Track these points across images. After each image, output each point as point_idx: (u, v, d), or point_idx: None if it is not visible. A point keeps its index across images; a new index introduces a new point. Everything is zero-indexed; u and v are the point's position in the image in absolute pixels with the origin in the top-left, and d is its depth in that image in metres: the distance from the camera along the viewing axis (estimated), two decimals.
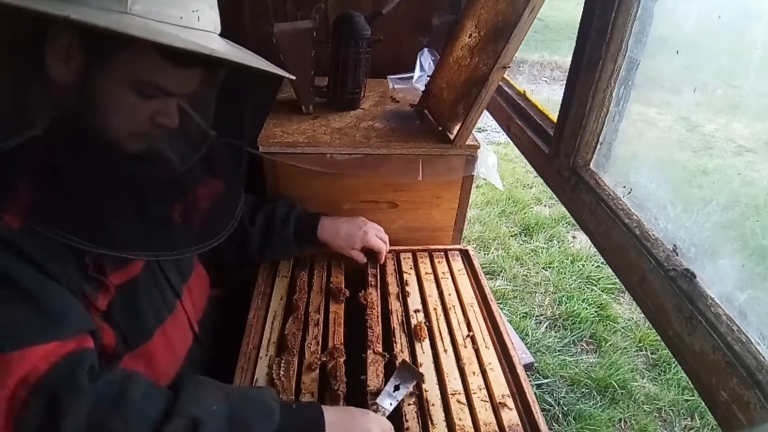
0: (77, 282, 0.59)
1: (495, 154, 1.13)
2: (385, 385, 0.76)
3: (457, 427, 0.73)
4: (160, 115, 0.63)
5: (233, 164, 0.83)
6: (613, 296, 2.24)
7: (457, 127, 1.05)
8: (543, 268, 2.40)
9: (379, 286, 1.01)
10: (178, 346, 0.79)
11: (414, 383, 0.77)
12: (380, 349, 0.85)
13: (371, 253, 1.04)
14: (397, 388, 0.76)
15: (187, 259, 0.85)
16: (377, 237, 1.03)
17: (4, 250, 0.52)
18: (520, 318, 2.08)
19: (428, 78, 1.22)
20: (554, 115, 0.96)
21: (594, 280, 2.31)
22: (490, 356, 0.86)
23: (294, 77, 0.76)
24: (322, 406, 0.67)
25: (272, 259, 1.04)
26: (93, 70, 0.56)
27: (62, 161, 0.57)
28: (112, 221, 0.61)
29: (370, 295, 0.96)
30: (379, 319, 0.92)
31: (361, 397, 0.77)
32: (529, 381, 0.81)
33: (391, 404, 0.74)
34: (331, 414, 0.67)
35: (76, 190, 0.57)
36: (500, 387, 0.80)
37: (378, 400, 0.74)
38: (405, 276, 1.04)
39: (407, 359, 0.82)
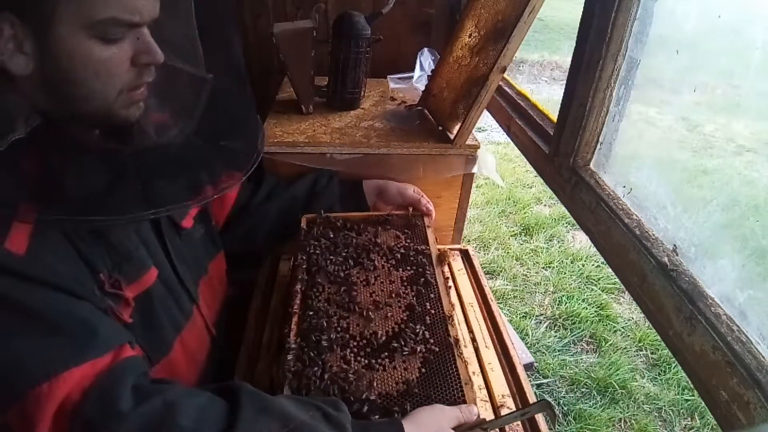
0: (101, 297, 0.56)
1: (493, 154, 1.13)
2: (510, 414, 0.68)
3: None
4: (139, 55, 0.55)
5: (241, 98, 0.74)
6: (613, 296, 2.24)
7: (457, 127, 1.05)
8: (543, 267, 2.40)
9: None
10: (198, 352, 0.77)
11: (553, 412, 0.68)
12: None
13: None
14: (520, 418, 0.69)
15: (202, 258, 0.82)
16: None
17: (12, 280, 0.48)
18: (520, 318, 2.08)
19: (428, 78, 1.23)
20: (554, 115, 0.96)
21: (594, 280, 2.31)
22: (490, 356, 0.85)
23: None
24: (403, 422, 0.59)
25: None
26: (47, 38, 0.49)
27: (58, 157, 0.52)
28: (122, 188, 0.55)
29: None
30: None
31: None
32: (529, 381, 0.81)
33: (520, 419, 0.68)
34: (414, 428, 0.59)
35: (79, 185, 0.52)
36: (500, 387, 0.79)
37: (490, 425, 0.65)
38: None
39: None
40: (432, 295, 0.80)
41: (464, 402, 0.65)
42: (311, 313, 0.75)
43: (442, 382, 0.67)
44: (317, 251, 0.86)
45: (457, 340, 0.73)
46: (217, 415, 0.52)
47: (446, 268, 1.00)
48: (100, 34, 0.51)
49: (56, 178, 0.52)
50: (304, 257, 0.85)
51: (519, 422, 0.74)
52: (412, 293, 0.80)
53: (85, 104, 0.54)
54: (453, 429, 0.63)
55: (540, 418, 0.74)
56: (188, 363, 0.73)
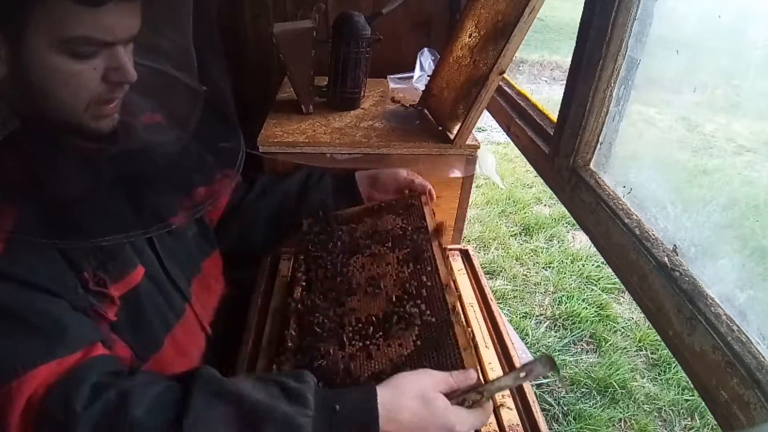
0: (84, 296, 0.57)
1: (493, 154, 1.13)
2: (510, 374, 0.60)
3: None
4: (110, 72, 0.54)
5: (225, 111, 0.73)
6: (613, 296, 2.24)
7: (457, 127, 1.05)
8: (543, 267, 2.40)
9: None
10: (191, 349, 0.76)
11: (545, 370, 0.59)
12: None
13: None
14: (526, 373, 0.59)
15: (195, 257, 0.82)
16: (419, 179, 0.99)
17: None
18: (520, 318, 2.08)
19: (428, 78, 1.23)
20: (554, 115, 0.96)
21: (594, 280, 2.31)
22: (490, 356, 0.85)
23: None
24: (379, 402, 0.52)
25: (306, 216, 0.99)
26: (19, 47, 0.49)
27: (33, 166, 0.53)
28: (98, 209, 0.56)
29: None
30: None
31: None
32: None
33: (510, 386, 0.63)
34: (399, 412, 0.52)
35: (57, 192, 0.53)
36: None
37: (486, 388, 0.59)
38: None
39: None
40: (428, 268, 0.78)
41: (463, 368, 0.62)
42: (311, 309, 0.75)
43: (439, 349, 0.65)
44: (316, 250, 0.86)
45: (454, 307, 0.70)
46: (169, 403, 0.50)
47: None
48: (71, 50, 0.51)
49: (30, 190, 0.52)
50: (302, 257, 0.85)
51: (519, 422, 0.74)
52: (408, 270, 0.79)
53: (55, 114, 0.54)
54: (445, 394, 0.57)
55: (540, 418, 0.74)
56: (181, 361, 0.73)
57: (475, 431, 0.61)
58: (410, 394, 0.54)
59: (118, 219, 0.58)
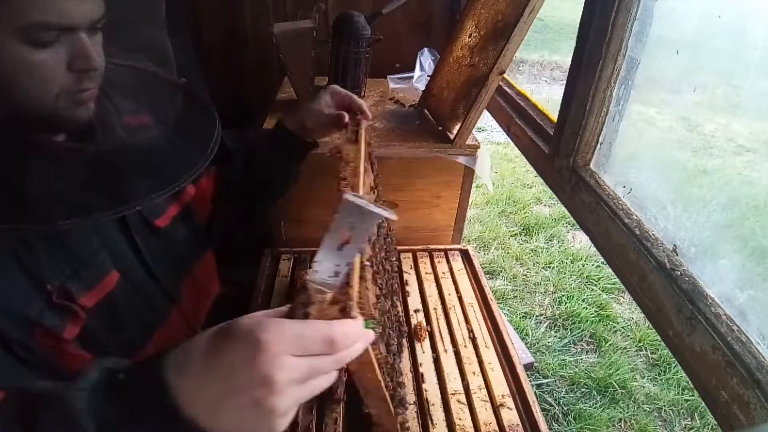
0: (36, 315, 0.53)
1: (491, 156, 1.13)
2: (322, 242, 0.41)
3: (457, 427, 0.73)
4: (75, 60, 0.52)
5: (198, 95, 0.69)
6: (613, 296, 2.24)
7: (457, 127, 1.05)
8: (543, 267, 2.40)
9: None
10: None
11: (375, 222, 0.43)
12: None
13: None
14: (343, 242, 0.41)
15: (186, 258, 0.80)
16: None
17: None
18: (520, 318, 2.08)
19: (428, 78, 1.23)
20: (554, 115, 0.96)
21: (594, 280, 2.31)
22: (490, 356, 0.86)
23: None
24: (168, 374, 0.38)
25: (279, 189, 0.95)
26: None
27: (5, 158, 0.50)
28: (60, 193, 0.52)
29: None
30: None
31: None
32: (529, 381, 0.81)
33: (337, 274, 0.41)
34: (188, 383, 0.38)
35: (21, 182, 0.50)
36: (500, 387, 0.80)
37: (310, 277, 0.41)
38: (405, 276, 1.04)
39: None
40: None
41: None
42: None
43: None
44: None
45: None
46: None
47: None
48: (31, 38, 0.49)
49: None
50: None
51: (519, 422, 0.74)
52: None
53: (26, 106, 0.53)
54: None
55: (540, 418, 0.74)
56: None
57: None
58: (205, 334, 0.41)
59: (81, 202, 0.53)
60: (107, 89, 0.61)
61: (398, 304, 0.81)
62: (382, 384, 0.52)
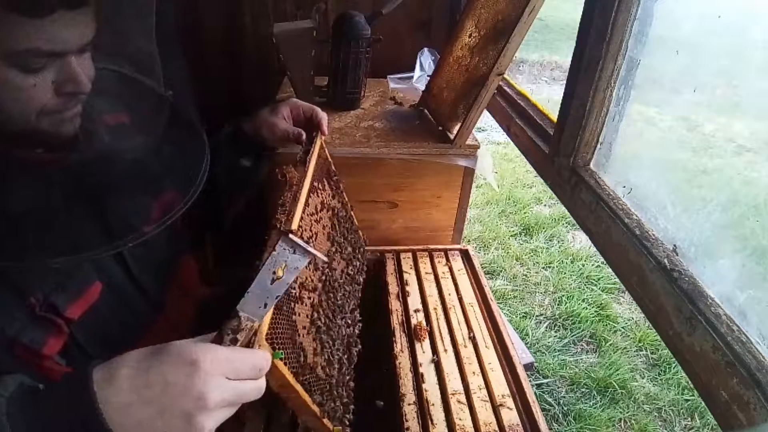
0: (15, 332, 0.52)
1: (492, 156, 1.13)
2: (256, 274, 0.45)
3: (457, 427, 0.73)
4: (63, 83, 0.51)
5: (188, 117, 0.67)
6: (613, 296, 2.24)
7: (457, 127, 1.05)
8: (543, 267, 2.40)
9: (379, 286, 1.00)
10: None
11: (306, 262, 0.46)
12: None
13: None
14: (274, 275, 0.45)
15: (171, 261, 0.78)
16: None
17: None
18: (520, 318, 2.08)
19: (428, 78, 1.23)
20: (554, 115, 0.96)
21: (594, 280, 2.31)
22: (490, 356, 0.86)
23: None
24: (95, 384, 0.39)
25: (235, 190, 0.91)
26: None
27: None
28: (54, 226, 0.51)
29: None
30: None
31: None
32: (529, 381, 0.81)
33: (266, 306, 0.45)
34: (119, 395, 0.39)
35: (6, 206, 0.48)
36: (500, 387, 0.80)
37: (240, 306, 0.45)
38: (405, 276, 1.04)
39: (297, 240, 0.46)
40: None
41: None
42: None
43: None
44: None
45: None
46: None
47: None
48: (20, 64, 0.48)
49: None
50: None
51: (519, 422, 0.74)
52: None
53: (8, 125, 0.51)
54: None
55: (540, 418, 0.74)
56: None
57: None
58: (133, 353, 0.42)
59: (75, 237, 0.53)
60: (92, 100, 0.58)
61: (357, 317, 0.81)
62: (309, 402, 0.55)
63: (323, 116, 0.88)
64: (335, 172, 0.90)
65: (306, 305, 0.63)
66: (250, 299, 0.45)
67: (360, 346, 0.78)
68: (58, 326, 0.56)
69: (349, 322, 0.78)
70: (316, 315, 0.66)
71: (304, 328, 0.61)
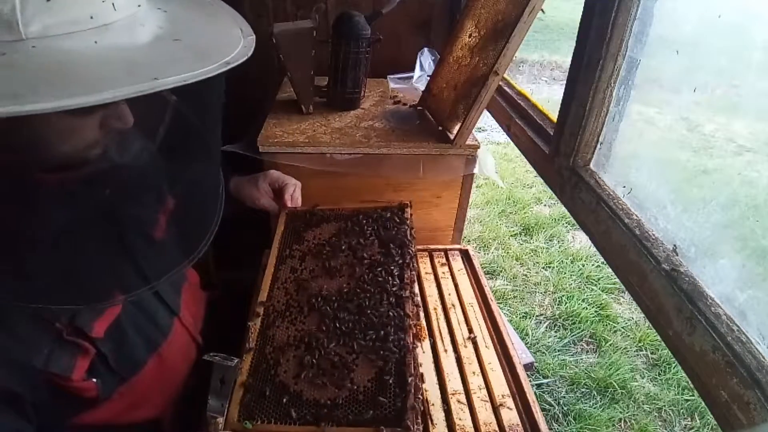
0: (42, 363, 0.53)
1: (493, 154, 1.13)
2: (209, 387, 0.63)
3: (457, 427, 0.73)
4: (110, 120, 0.52)
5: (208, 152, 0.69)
6: (613, 296, 2.24)
7: (457, 127, 1.05)
8: (543, 267, 2.40)
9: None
10: (179, 364, 0.76)
11: (235, 363, 0.64)
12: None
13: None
14: (222, 381, 0.63)
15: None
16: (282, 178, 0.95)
17: None
18: (520, 318, 2.08)
19: (428, 78, 1.23)
20: (554, 115, 0.96)
21: (594, 280, 2.31)
22: (490, 356, 0.85)
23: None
24: None
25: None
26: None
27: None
28: (85, 268, 0.52)
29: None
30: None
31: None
32: (529, 381, 0.81)
33: (223, 405, 0.63)
34: None
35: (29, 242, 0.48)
36: (500, 387, 0.80)
37: (210, 410, 0.62)
38: None
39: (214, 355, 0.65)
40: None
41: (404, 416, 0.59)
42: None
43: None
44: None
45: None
46: None
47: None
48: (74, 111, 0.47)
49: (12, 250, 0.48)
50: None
51: (519, 422, 0.74)
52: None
53: (55, 159, 0.51)
54: None
55: (540, 418, 0.74)
56: (165, 378, 0.72)
57: None
58: None
59: (115, 280, 0.55)
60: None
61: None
62: None
63: (291, 191, 0.94)
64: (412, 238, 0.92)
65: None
66: (212, 402, 0.63)
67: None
68: (85, 348, 0.58)
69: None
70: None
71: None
